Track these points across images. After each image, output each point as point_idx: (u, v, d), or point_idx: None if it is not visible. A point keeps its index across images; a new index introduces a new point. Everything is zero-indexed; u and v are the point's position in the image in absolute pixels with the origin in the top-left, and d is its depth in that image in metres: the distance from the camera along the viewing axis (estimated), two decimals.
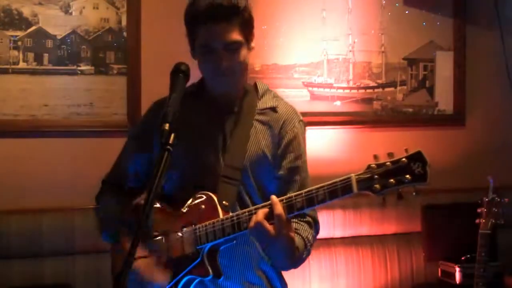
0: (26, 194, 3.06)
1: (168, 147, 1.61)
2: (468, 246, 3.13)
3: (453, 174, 3.72)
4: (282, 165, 1.97)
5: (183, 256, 1.86)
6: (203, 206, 1.88)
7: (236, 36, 1.87)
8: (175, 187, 1.95)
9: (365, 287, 3.44)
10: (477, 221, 2.96)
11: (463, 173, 3.72)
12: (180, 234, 1.87)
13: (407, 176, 1.64)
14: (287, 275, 3.22)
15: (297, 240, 1.85)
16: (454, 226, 3.45)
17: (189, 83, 1.90)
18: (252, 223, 1.74)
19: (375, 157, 1.69)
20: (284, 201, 1.75)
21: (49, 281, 2.98)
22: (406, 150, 1.66)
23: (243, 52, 1.91)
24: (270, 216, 1.74)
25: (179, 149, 1.70)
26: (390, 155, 1.68)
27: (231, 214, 1.83)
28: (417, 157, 1.65)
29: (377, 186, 1.66)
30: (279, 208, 1.73)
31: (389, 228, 3.53)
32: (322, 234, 3.38)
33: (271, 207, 1.74)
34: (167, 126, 1.63)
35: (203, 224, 1.84)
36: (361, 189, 1.68)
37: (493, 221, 2.93)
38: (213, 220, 1.83)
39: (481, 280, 2.92)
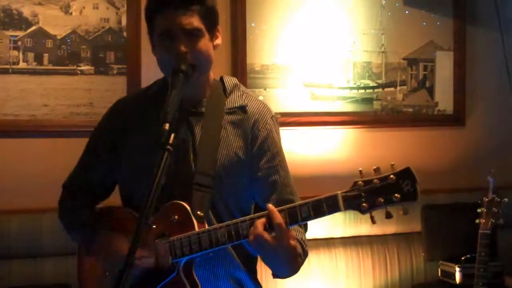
0: (26, 194, 3.06)
1: (168, 147, 1.59)
2: (468, 246, 3.13)
3: (453, 174, 3.73)
4: (259, 166, 1.88)
5: (157, 269, 1.77)
6: (176, 217, 1.78)
7: (195, 22, 1.77)
8: (145, 195, 1.64)
9: (365, 287, 3.44)
10: (477, 221, 2.96)
11: (463, 173, 3.72)
12: (153, 245, 1.77)
13: (396, 195, 1.57)
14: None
15: (297, 245, 1.77)
16: (454, 226, 3.44)
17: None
18: (252, 237, 1.65)
19: (361, 172, 1.61)
20: (286, 210, 1.66)
21: (49, 281, 2.98)
22: (392, 166, 1.58)
23: (204, 41, 1.80)
24: (268, 226, 1.65)
25: (148, 157, 1.66)
26: (376, 170, 1.59)
27: (207, 227, 1.75)
28: (406, 174, 1.57)
29: (365, 204, 1.59)
30: (278, 217, 1.64)
31: (389, 228, 3.53)
32: (322, 234, 3.42)
33: (268, 216, 1.65)
34: (167, 126, 1.60)
35: (178, 237, 1.75)
36: (348, 208, 1.61)
37: (493, 221, 2.92)
38: (188, 234, 1.74)
39: (481, 280, 2.92)
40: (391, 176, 1.57)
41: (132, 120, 1.95)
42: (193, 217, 1.77)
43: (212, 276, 1.85)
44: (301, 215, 1.65)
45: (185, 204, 1.79)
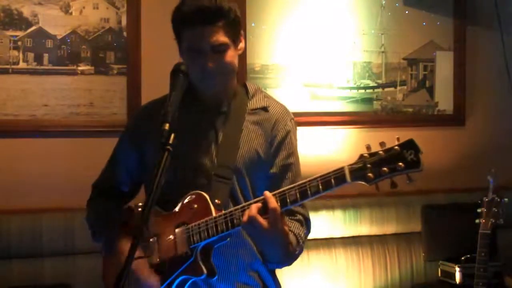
0: (26, 194, 3.06)
1: (168, 147, 1.62)
2: (468, 246, 3.13)
3: (453, 174, 3.73)
4: (274, 163, 1.99)
5: (176, 256, 1.85)
6: (195, 206, 1.87)
7: (221, 38, 1.89)
8: (167, 188, 1.78)
9: (365, 287, 3.44)
10: (477, 221, 2.96)
11: (463, 173, 3.72)
12: (172, 234, 1.87)
13: (400, 163, 1.63)
14: (287, 274, 3.23)
15: (290, 236, 1.86)
16: (454, 226, 3.45)
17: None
18: (245, 217, 1.74)
19: (368, 147, 1.69)
20: (277, 195, 1.75)
21: (49, 281, 2.97)
22: (398, 139, 1.66)
23: (230, 53, 1.92)
24: (263, 211, 1.74)
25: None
26: (382, 144, 1.67)
27: (224, 211, 1.83)
28: (409, 145, 1.65)
29: (370, 175, 1.65)
30: (273, 202, 1.73)
31: (389, 228, 3.53)
32: (322, 234, 3.42)
33: (264, 201, 1.75)
34: (167, 126, 1.64)
35: (196, 223, 1.84)
36: (355, 179, 1.68)
37: (493, 221, 2.92)
38: (206, 219, 1.83)
39: (481, 280, 2.92)
40: (395, 147, 1.65)
41: (155, 123, 1.99)
42: (211, 205, 1.85)
43: (232, 266, 1.93)
44: (310, 190, 1.72)
45: (205, 194, 1.87)
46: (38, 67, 3.13)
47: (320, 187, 1.71)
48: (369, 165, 1.65)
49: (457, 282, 3.26)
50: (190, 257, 1.83)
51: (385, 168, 1.64)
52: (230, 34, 1.92)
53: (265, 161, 1.98)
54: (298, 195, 1.74)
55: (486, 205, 2.95)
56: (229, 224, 1.79)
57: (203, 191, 1.88)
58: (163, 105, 2.03)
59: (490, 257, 2.95)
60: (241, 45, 1.99)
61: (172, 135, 1.63)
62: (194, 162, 1.92)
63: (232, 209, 1.82)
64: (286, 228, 1.80)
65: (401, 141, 1.65)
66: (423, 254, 3.49)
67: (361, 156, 1.68)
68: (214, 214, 1.83)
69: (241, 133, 1.97)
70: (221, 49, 1.90)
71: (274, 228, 1.73)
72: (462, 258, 3.25)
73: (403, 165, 1.63)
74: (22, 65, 3.12)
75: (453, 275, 3.29)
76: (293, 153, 2.02)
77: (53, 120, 3.14)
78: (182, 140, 1.80)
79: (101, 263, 2.08)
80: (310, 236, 3.39)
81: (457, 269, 3.26)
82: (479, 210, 2.96)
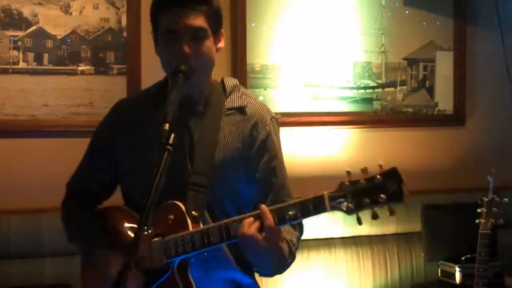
0: (26, 194, 3.05)
1: (168, 147, 1.59)
2: (468, 246, 3.14)
3: (453, 174, 3.73)
4: (257, 167, 1.88)
5: (152, 269, 1.78)
6: (171, 217, 1.79)
7: (201, 23, 1.79)
8: (142, 195, 1.60)
9: (365, 287, 3.44)
10: (477, 221, 2.96)
11: (463, 173, 3.72)
12: (149, 245, 1.78)
13: (382, 195, 1.54)
14: (287, 274, 3.22)
15: (284, 247, 1.77)
16: (454, 226, 3.45)
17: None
18: (241, 237, 1.65)
19: (348, 173, 1.59)
20: (275, 210, 1.66)
21: (49, 281, 2.97)
22: (381, 166, 1.56)
23: (208, 43, 1.82)
24: (260, 227, 1.65)
25: (145, 156, 1.66)
26: (363, 170, 1.57)
27: (201, 226, 1.75)
28: (392, 175, 1.54)
29: (351, 205, 1.57)
30: (269, 219, 1.64)
31: (389, 228, 3.53)
32: (322, 234, 3.42)
33: (259, 216, 1.66)
34: (167, 126, 1.61)
35: (173, 236, 1.76)
36: (334, 208, 1.59)
37: (493, 221, 2.92)
38: (182, 233, 1.75)
39: (481, 280, 2.92)
40: (378, 176, 1.55)
41: (131, 120, 1.96)
42: (187, 217, 1.78)
43: (206, 278, 1.85)
44: (288, 215, 1.65)
45: (181, 204, 1.79)
46: (38, 67, 3.13)
47: (299, 214, 1.63)
48: (349, 195, 1.57)
49: (457, 282, 3.26)
50: (166, 271, 1.77)
51: (366, 199, 1.56)
52: (210, 23, 1.81)
53: (244, 165, 1.87)
54: (276, 219, 1.65)
55: (486, 205, 2.95)
56: (206, 241, 1.71)
57: (179, 201, 1.79)
58: (134, 102, 2.00)
59: (490, 257, 2.96)
60: (221, 44, 1.89)
61: (172, 135, 1.60)
62: (168, 169, 1.65)
63: (209, 226, 1.74)
64: (281, 243, 1.71)
65: (384, 169, 1.55)
66: (423, 254, 3.49)
67: (341, 183, 1.59)
68: (190, 228, 1.76)
69: (217, 136, 1.86)
70: (200, 35, 1.79)
71: (269, 245, 1.65)
72: (462, 258, 3.25)
73: (385, 197, 1.54)
74: (22, 65, 3.12)
75: (453, 275, 3.29)
76: (275, 155, 1.91)
77: (53, 120, 3.14)
78: (153, 146, 1.67)
79: None
80: (310, 236, 3.40)
81: (457, 269, 3.26)
82: (479, 210, 2.96)
